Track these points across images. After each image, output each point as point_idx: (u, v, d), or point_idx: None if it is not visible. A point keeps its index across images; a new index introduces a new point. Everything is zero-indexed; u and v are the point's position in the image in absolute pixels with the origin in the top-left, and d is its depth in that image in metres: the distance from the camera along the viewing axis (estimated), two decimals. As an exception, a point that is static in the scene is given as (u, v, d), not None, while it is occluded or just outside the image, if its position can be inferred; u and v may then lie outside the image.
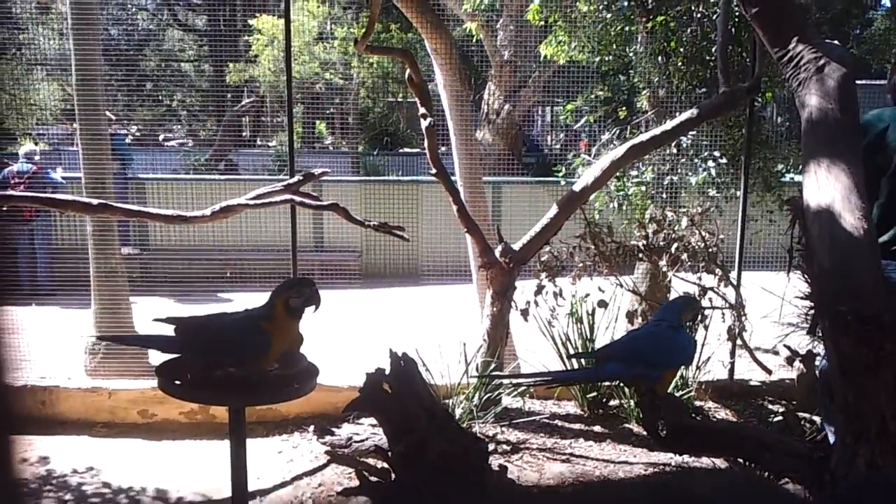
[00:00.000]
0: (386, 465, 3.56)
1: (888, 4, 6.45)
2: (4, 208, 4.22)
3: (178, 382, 2.89)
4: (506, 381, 4.43)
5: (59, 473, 3.96)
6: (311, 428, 4.29)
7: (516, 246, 4.46)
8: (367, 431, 3.99)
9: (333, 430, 4.10)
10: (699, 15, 5.33)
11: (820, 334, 2.84)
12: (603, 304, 4.68)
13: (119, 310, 5.13)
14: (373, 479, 3.20)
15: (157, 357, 4.87)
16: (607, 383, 4.61)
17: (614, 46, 5.68)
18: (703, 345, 4.62)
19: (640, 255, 4.99)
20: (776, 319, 5.01)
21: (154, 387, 4.39)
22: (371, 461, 3.89)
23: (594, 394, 4.60)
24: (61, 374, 4.89)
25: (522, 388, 4.61)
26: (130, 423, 4.53)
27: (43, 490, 3.81)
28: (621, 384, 4.56)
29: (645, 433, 4.21)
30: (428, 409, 3.52)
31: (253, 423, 4.30)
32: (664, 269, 4.88)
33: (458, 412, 4.21)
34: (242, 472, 2.91)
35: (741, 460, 3.36)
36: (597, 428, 4.43)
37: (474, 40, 9.20)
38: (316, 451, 4.12)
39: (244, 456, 3.00)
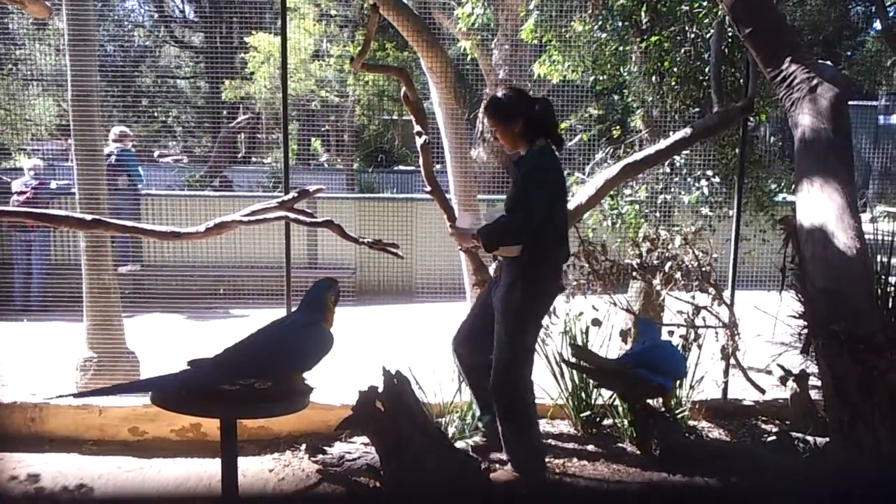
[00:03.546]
0: (378, 485, 3.54)
1: (879, 26, 6.52)
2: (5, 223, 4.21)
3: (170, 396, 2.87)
4: None
5: (49, 491, 3.92)
6: (303, 446, 4.26)
7: (510, 264, 4.46)
8: (359, 450, 3.96)
9: (325, 448, 4.08)
10: (693, 35, 5.38)
11: (813, 354, 2.84)
12: (597, 322, 4.67)
13: (111, 326, 5.10)
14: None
15: (148, 374, 4.85)
16: (601, 402, 4.60)
17: (608, 66, 5.72)
18: (696, 364, 4.62)
19: (634, 273, 4.99)
20: (769, 339, 5.01)
21: (146, 404, 4.38)
22: (363, 480, 3.87)
23: (588, 413, 4.58)
24: (52, 390, 4.85)
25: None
26: (121, 440, 4.49)
27: (31, 508, 3.77)
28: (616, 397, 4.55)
29: (639, 452, 4.21)
30: (421, 428, 3.51)
31: (244, 442, 4.27)
32: (658, 287, 4.88)
33: (451, 431, 4.18)
34: (233, 491, 2.88)
35: (734, 480, 3.35)
36: (590, 447, 4.40)
37: (469, 59, 9.25)
38: (308, 469, 4.08)
39: (235, 474, 2.98)
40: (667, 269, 4.80)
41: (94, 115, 4.98)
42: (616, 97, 6.22)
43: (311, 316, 3.03)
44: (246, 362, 2.86)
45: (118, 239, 6.19)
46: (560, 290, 3.79)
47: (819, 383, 3.10)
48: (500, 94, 3.77)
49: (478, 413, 4.12)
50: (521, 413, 3.68)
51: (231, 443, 2.96)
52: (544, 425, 4.68)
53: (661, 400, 4.05)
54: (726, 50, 5.14)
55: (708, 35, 5.17)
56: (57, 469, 4.12)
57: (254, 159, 16.08)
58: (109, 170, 7.89)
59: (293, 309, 4.64)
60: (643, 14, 5.47)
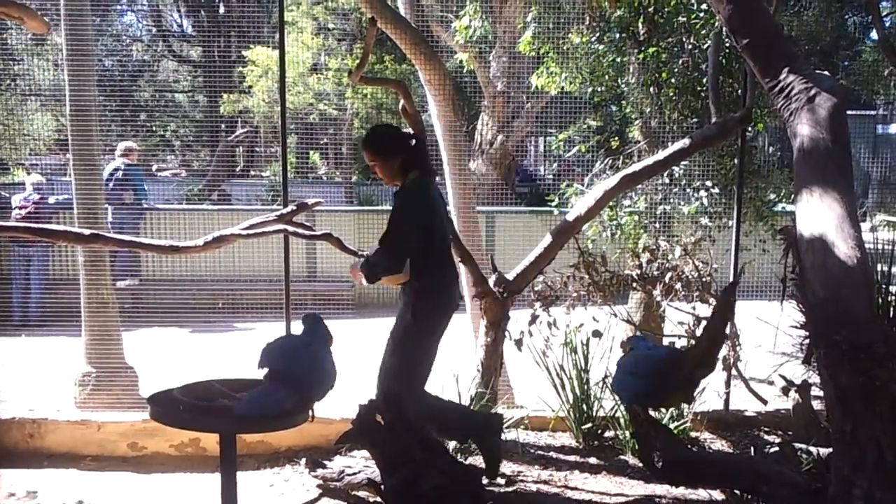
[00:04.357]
0: (379, 499, 3.51)
1: (876, 36, 6.55)
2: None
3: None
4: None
5: (47, 508, 3.90)
6: (303, 461, 4.23)
7: (510, 275, 4.46)
8: (359, 464, 3.94)
9: (325, 463, 4.06)
10: (690, 46, 5.40)
11: (815, 364, 2.83)
12: (597, 333, 4.66)
13: (110, 341, 5.08)
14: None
15: (147, 388, 4.83)
16: (602, 414, 4.58)
17: (606, 77, 5.74)
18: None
19: (634, 284, 4.99)
20: (771, 349, 5.01)
21: (145, 419, 4.35)
22: (364, 495, 3.84)
23: (589, 425, 4.56)
24: (50, 405, 4.83)
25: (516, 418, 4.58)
26: (119, 456, 4.46)
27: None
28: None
29: (641, 465, 4.18)
30: (421, 442, 3.49)
31: (244, 456, 4.24)
32: (658, 298, 4.87)
33: (451, 444, 4.16)
34: (233, 506, 2.87)
35: (738, 492, 3.33)
36: (592, 460, 4.38)
37: (466, 71, 9.28)
38: (308, 484, 4.06)
39: (235, 489, 2.96)
40: (667, 279, 4.80)
41: (93, 129, 4.98)
42: (614, 108, 6.23)
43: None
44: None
45: (117, 253, 6.18)
46: (455, 307, 3.88)
47: (821, 393, 3.09)
48: (378, 130, 4.01)
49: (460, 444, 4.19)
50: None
51: (230, 458, 2.95)
52: (545, 437, 4.66)
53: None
54: (724, 61, 5.16)
55: (705, 46, 5.18)
56: (55, 485, 4.10)
57: (252, 173, 16.08)
58: (116, 185, 7.91)
59: (293, 323, 4.64)
60: (641, 25, 5.49)
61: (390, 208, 3.77)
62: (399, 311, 3.78)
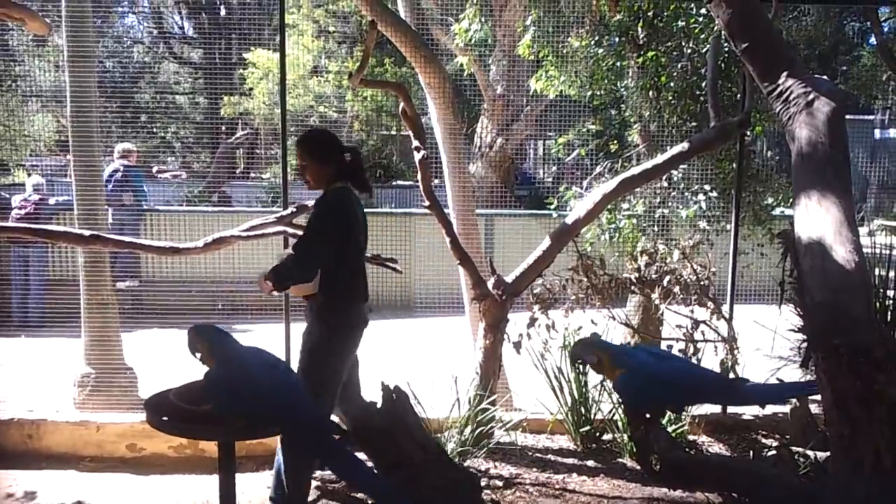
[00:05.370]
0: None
1: (874, 41, 6.57)
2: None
3: (165, 418, 2.86)
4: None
5: (45, 509, 3.90)
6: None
7: (509, 278, 4.47)
8: (358, 466, 3.94)
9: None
10: (689, 50, 5.41)
11: (813, 368, 2.84)
12: (595, 336, 4.66)
13: (109, 342, 5.09)
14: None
15: (146, 390, 4.83)
16: (600, 417, 4.59)
17: (605, 81, 5.75)
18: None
19: (633, 287, 4.99)
20: (769, 352, 5.01)
21: (143, 420, 4.35)
22: (362, 497, 3.84)
23: (587, 428, 4.57)
24: (49, 406, 4.83)
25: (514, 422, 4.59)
26: (118, 457, 4.47)
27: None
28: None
29: (639, 468, 4.19)
30: (420, 444, 3.50)
31: (242, 458, 4.25)
32: (656, 301, 4.88)
33: (450, 446, 4.16)
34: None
35: (735, 495, 3.34)
36: (590, 462, 4.39)
37: (466, 74, 9.29)
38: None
39: (234, 491, 2.97)
40: (665, 283, 4.80)
41: (93, 131, 4.99)
42: (613, 112, 6.23)
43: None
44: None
45: (117, 254, 6.18)
46: (364, 323, 3.75)
47: (819, 397, 3.10)
48: (319, 133, 3.90)
49: None
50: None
51: (229, 461, 2.95)
52: (544, 440, 4.67)
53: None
54: (723, 65, 5.17)
55: (704, 50, 5.20)
56: (54, 486, 4.10)
57: (252, 175, 16.08)
58: (116, 186, 7.92)
59: (292, 325, 4.64)
60: (640, 30, 5.50)
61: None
62: (305, 329, 3.63)
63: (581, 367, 3.64)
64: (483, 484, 3.78)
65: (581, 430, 4.56)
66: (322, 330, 3.56)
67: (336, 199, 3.59)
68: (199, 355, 2.95)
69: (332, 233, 3.52)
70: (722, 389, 3.39)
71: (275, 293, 3.63)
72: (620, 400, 4.06)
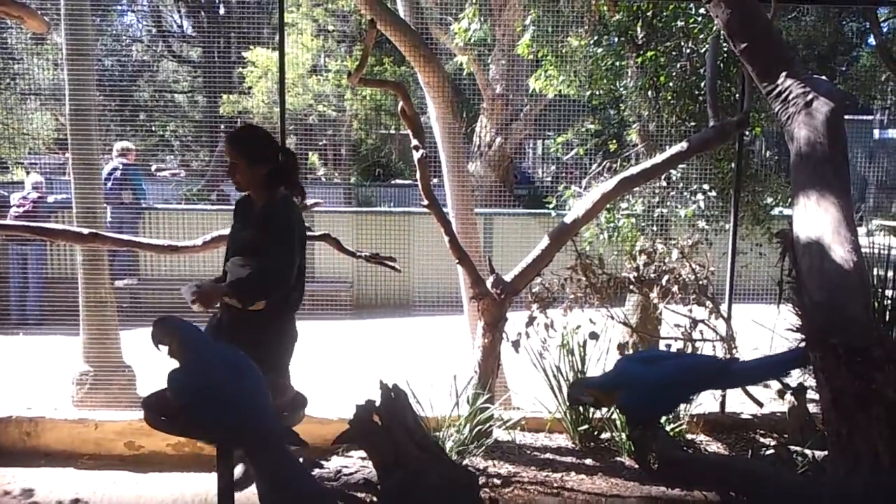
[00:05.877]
0: (376, 500, 3.52)
1: (873, 42, 6.58)
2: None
3: (164, 418, 2.87)
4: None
5: (43, 506, 3.90)
6: (300, 461, 4.23)
7: (508, 277, 4.47)
8: (356, 464, 3.94)
9: (322, 462, 4.06)
10: (688, 50, 5.41)
11: (811, 367, 2.84)
12: (594, 335, 4.67)
13: (108, 340, 5.09)
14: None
15: (144, 388, 4.83)
16: (598, 416, 4.59)
17: (604, 81, 5.75)
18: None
19: (631, 286, 5.00)
20: (767, 352, 5.01)
21: (141, 418, 4.35)
22: (360, 495, 3.84)
23: (586, 426, 4.57)
24: (48, 404, 4.83)
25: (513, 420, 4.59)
26: (117, 454, 4.47)
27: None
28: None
29: (637, 466, 4.20)
30: (418, 442, 3.49)
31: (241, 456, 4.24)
32: (655, 300, 4.88)
33: (448, 445, 4.17)
34: (230, 506, 2.87)
35: (733, 494, 3.34)
36: (588, 461, 4.39)
37: (465, 73, 9.30)
38: (305, 484, 4.06)
39: (231, 489, 2.96)
40: (664, 282, 4.81)
41: (92, 129, 4.99)
42: (612, 111, 6.24)
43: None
44: None
45: (116, 253, 6.19)
46: (296, 337, 3.65)
47: (817, 396, 3.10)
48: (252, 132, 3.66)
49: None
50: None
51: (227, 458, 2.95)
52: (542, 439, 4.67)
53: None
54: (722, 65, 5.17)
55: (703, 50, 5.20)
56: (52, 483, 4.10)
57: (251, 173, 16.04)
58: (115, 184, 7.92)
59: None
60: (639, 29, 5.50)
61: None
62: (252, 352, 3.16)
63: (583, 407, 3.64)
64: (482, 482, 3.78)
65: (579, 428, 4.57)
66: (274, 344, 3.48)
67: (285, 208, 3.46)
68: (165, 349, 2.88)
69: (292, 244, 3.41)
70: (718, 373, 3.38)
71: (203, 308, 3.51)
72: (625, 421, 4.05)
